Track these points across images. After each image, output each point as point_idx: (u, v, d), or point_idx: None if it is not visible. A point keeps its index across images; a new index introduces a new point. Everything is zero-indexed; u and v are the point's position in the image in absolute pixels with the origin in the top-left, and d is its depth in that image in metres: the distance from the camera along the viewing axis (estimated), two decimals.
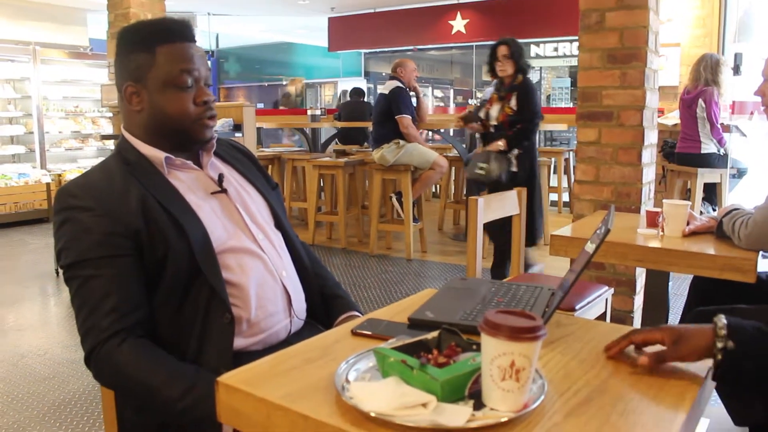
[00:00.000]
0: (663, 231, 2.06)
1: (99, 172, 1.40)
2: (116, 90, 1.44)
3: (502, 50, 4.20)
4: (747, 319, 1.72)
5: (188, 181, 1.43)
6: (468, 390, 0.91)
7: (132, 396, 1.33)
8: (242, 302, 1.37)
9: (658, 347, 1.06)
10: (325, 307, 1.59)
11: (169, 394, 1.22)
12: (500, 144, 4.17)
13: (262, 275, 1.41)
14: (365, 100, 8.19)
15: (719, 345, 1.02)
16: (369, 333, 1.19)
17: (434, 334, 1.03)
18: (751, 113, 5.86)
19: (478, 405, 0.89)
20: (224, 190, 1.46)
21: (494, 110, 4.28)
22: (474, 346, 0.98)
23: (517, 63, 4.21)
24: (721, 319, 1.04)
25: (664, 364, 1.03)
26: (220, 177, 1.47)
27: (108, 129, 8.05)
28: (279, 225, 1.55)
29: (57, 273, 4.81)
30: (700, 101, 4.98)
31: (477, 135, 4.74)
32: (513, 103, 4.18)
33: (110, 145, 7.91)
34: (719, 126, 5.00)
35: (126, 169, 1.37)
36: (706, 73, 4.98)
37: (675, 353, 1.03)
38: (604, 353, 1.09)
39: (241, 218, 1.45)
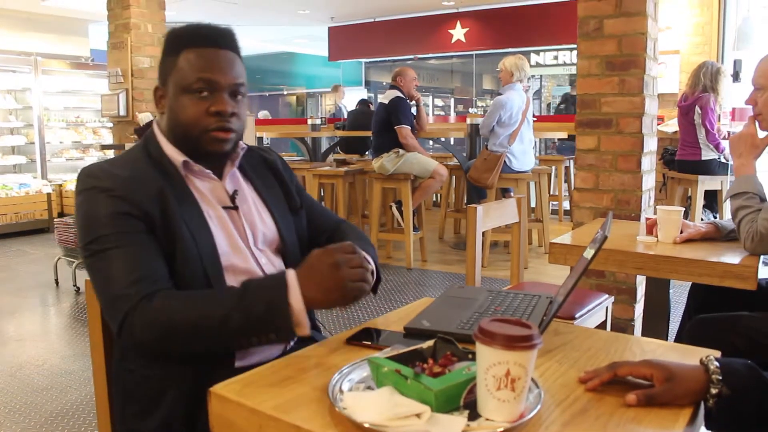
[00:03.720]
0: (657, 237, 2.06)
1: (122, 158, 1.39)
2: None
3: None
4: (752, 328, 1.71)
5: (204, 189, 1.39)
6: (463, 400, 0.90)
7: (185, 337, 1.20)
8: None
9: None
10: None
11: (222, 311, 1.16)
12: None
13: None
14: (372, 109, 8.19)
15: (713, 391, 0.96)
16: (364, 342, 1.18)
17: (430, 343, 1.02)
18: None
19: (474, 415, 0.87)
20: (235, 207, 1.42)
21: None
22: (470, 356, 0.97)
23: None
24: (713, 362, 0.98)
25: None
26: (234, 193, 1.42)
27: (109, 139, 8.06)
28: (283, 250, 1.49)
29: (57, 283, 4.80)
30: (697, 108, 4.99)
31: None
32: None
33: (110, 155, 7.91)
34: (715, 132, 5.00)
35: (148, 160, 1.35)
36: (705, 80, 5.00)
37: (667, 394, 0.95)
38: (580, 384, 1.00)
39: (246, 237, 1.41)
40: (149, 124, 5.40)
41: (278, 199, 1.53)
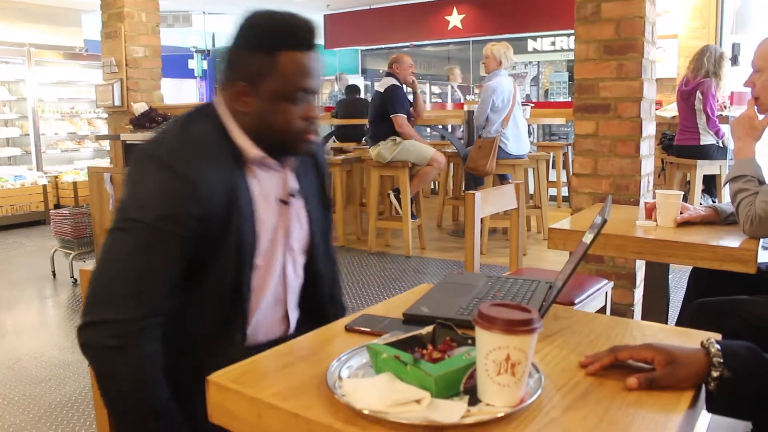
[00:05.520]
0: (656, 221, 2.05)
1: (192, 136, 1.29)
2: (225, 81, 1.32)
3: None
4: (751, 312, 1.71)
5: (265, 181, 1.35)
6: (463, 385, 0.89)
7: (114, 391, 1.24)
8: None
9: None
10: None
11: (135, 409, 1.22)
12: None
13: (269, 302, 1.39)
14: (361, 96, 8.12)
15: (715, 374, 0.95)
16: (363, 329, 1.17)
17: (429, 329, 1.01)
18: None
19: (474, 400, 0.87)
20: (288, 203, 1.39)
21: None
22: (469, 341, 0.96)
23: None
24: (714, 345, 0.97)
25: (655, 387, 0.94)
26: (296, 190, 1.41)
27: (104, 129, 8.01)
28: (311, 251, 1.48)
29: (54, 275, 4.78)
30: (698, 93, 4.96)
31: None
32: None
33: (106, 145, 7.86)
34: (716, 118, 4.99)
35: (224, 146, 1.30)
36: (708, 64, 4.97)
37: (668, 378, 0.94)
38: (580, 369, 1.00)
39: (285, 236, 1.39)
40: (145, 114, 5.38)
41: (315, 196, 1.49)
